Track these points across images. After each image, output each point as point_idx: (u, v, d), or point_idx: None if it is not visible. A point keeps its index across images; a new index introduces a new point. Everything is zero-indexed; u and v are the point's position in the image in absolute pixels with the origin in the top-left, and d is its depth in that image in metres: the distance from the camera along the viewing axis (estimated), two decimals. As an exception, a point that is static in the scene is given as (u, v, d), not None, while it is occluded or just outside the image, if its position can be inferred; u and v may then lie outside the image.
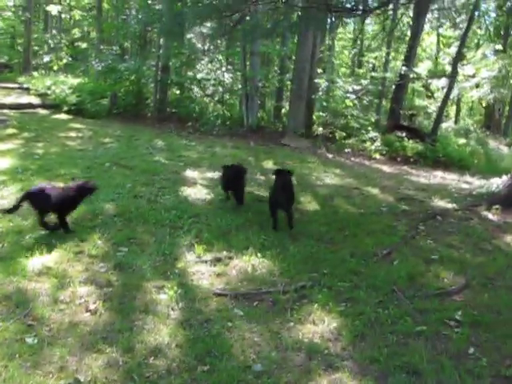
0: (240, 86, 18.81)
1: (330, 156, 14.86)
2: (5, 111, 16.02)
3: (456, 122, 29.07)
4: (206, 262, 5.87)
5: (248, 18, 9.27)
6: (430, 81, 23.99)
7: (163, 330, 4.38)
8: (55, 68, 26.85)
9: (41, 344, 4.01)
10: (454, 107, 31.73)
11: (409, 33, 20.64)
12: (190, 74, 20.06)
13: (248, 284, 5.47)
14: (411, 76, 19.54)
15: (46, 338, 4.10)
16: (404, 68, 18.02)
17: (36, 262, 5.35)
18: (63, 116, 16.15)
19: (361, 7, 8.61)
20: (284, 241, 6.73)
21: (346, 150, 15.77)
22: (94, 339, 4.15)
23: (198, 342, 4.25)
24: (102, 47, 22.54)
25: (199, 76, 19.61)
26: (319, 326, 4.71)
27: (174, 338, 4.27)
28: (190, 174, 9.75)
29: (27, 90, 21.60)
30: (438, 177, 13.42)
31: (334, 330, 4.65)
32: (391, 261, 6.34)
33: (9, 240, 5.86)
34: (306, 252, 6.41)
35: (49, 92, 18.76)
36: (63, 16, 32.52)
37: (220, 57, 20.08)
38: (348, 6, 8.69)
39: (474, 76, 20.73)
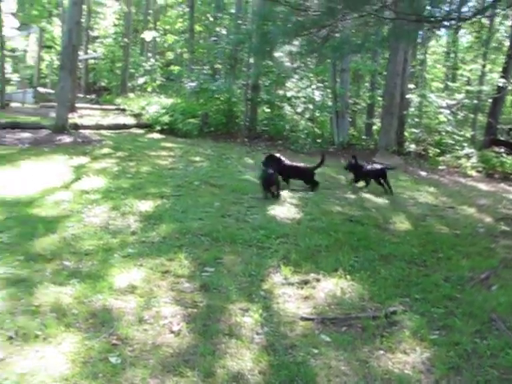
0: (330, 104, 18.64)
1: (423, 174, 14.37)
2: (102, 131, 16.66)
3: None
4: (292, 284, 5.68)
5: (337, 34, 9.12)
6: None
7: (246, 354, 4.22)
8: (149, 89, 27.76)
9: (123, 364, 3.95)
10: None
11: (507, 42, 19.72)
12: (280, 92, 20.12)
13: (336, 308, 5.24)
14: (510, 88, 18.66)
15: (128, 358, 4.03)
16: (502, 80, 17.23)
17: (123, 280, 5.35)
18: (156, 135, 16.59)
19: (454, 17, 8.23)
20: (374, 263, 6.45)
21: (440, 168, 15.20)
22: (176, 362, 4.05)
23: (282, 368, 4.05)
24: (193, 68, 23.08)
25: (289, 94, 19.63)
26: (410, 355, 4.40)
27: (258, 364, 4.09)
28: (280, 192, 9.65)
29: (123, 110, 22.47)
30: (542, 196, 12.62)
31: (427, 361, 4.31)
32: (489, 286, 5.89)
33: (98, 258, 5.94)
34: (398, 275, 6.10)
35: (143, 112, 19.39)
36: (158, 40, 33.66)
37: (310, 74, 20.01)
38: (440, 16, 8.34)
39: None
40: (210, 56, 23.54)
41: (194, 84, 19.96)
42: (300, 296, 5.43)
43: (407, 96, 17.09)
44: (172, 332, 4.48)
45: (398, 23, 8.29)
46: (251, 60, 18.64)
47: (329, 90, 18.97)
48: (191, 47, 24.37)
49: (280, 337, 4.57)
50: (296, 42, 11.05)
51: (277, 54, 18.43)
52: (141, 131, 17.09)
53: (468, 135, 18.29)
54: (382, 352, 4.44)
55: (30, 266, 5.61)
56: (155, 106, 19.02)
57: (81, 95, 29.49)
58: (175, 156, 12.81)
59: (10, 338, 4.17)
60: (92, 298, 4.95)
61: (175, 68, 31.46)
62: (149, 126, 17.87)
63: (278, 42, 9.29)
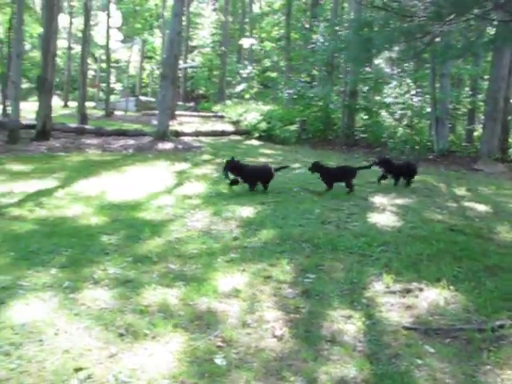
0: (429, 110, 18.20)
1: (531, 182, 13.72)
2: (201, 138, 17.13)
3: None
4: (394, 292, 5.59)
5: (438, 38, 8.91)
6: None
7: (349, 362, 4.20)
8: (247, 96, 28.20)
9: (228, 366, 4.04)
10: None
11: None
12: (377, 98, 19.90)
13: (439, 319, 5.10)
14: None
15: (233, 360, 4.13)
16: None
17: (226, 284, 5.49)
18: (254, 142, 16.85)
19: None
20: (479, 274, 6.22)
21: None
22: (279, 366, 4.09)
23: (385, 377, 3.99)
24: (290, 75, 23.24)
25: (387, 100, 19.35)
26: (518, 372, 4.26)
27: (360, 372, 4.07)
28: (379, 200, 9.53)
29: (221, 117, 22.98)
30: None
31: (539, 380, 4.16)
32: None
33: (202, 261, 6.12)
34: (505, 288, 5.86)
35: (241, 119, 19.75)
36: (254, 48, 34.16)
37: (408, 80, 19.64)
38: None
39: None
40: (307, 63, 23.61)
41: (291, 91, 20.11)
42: (402, 305, 5.34)
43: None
44: (275, 336, 4.54)
45: (507, 24, 7.99)
46: (348, 67, 18.54)
47: (428, 96, 18.52)
48: (288, 54, 24.57)
49: (383, 346, 4.52)
50: (396, 48, 10.92)
51: (375, 61, 18.28)
52: (239, 138, 17.43)
53: None
54: (489, 367, 4.27)
55: (137, 267, 5.89)
56: (253, 113, 19.32)
57: (180, 103, 30.42)
58: (274, 163, 12.93)
59: (121, 334, 4.39)
60: (197, 300, 5.11)
61: (272, 75, 31.79)
62: (247, 133, 18.20)
63: (380, 49, 9.19)
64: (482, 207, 9.82)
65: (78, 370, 3.81)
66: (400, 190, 10.50)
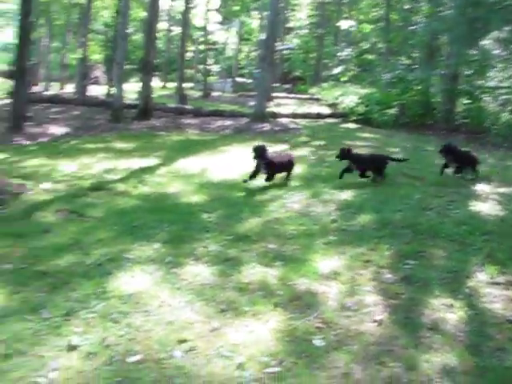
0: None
1: None
2: (297, 120, 17.12)
3: None
4: (498, 284, 5.36)
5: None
6: None
7: (450, 351, 4.09)
8: (343, 79, 27.86)
9: (327, 347, 4.05)
10: None
11: None
12: (480, 82, 19.05)
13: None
14: None
15: (332, 342, 4.13)
16: None
17: (325, 266, 5.48)
18: (351, 125, 16.65)
19: None
20: None
21: None
22: (378, 350, 4.04)
23: (488, 370, 3.86)
24: (389, 58, 22.71)
25: (491, 84, 18.50)
26: None
27: (462, 363, 3.95)
28: (481, 187, 9.17)
29: (317, 100, 22.85)
30: None
31: None
32: None
33: (300, 242, 6.14)
34: None
35: (337, 102, 19.56)
36: (352, 29, 33.58)
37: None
38: None
39: None
40: (407, 45, 22.98)
41: (389, 74, 19.66)
42: (506, 297, 5.12)
43: None
44: (374, 321, 4.50)
45: None
46: (451, 48, 17.84)
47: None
48: (386, 36, 24.01)
49: (486, 337, 4.36)
50: (507, 28, 10.38)
51: (481, 42, 17.48)
52: (335, 121, 17.26)
53: None
54: None
55: (237, 245, 6.00)
56: (350, 96, 19.07)
57: (276, 85, 30.47)
58: (370, 147, 12.73)
59: (222, 310, 4.51)
60: (296, 280, 5.14)
61: (370, 57, 31.20)
62: (343, 116, 17.99)
63: (490, 29, 8.78)
64: None
65: (181, 341, 3.95)
66: (503, 179, 10.05)
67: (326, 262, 5.60)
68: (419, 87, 18.85)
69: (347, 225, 6.80)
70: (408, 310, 4.71)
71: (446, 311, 4.74)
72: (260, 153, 8.45)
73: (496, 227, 7.07)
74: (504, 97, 18.63)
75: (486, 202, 8.26)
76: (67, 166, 10.38)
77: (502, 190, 9.18)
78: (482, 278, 5.47)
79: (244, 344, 3.99)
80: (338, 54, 31.47)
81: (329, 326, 4.36)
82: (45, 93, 28.58)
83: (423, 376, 3.78)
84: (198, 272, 5.24)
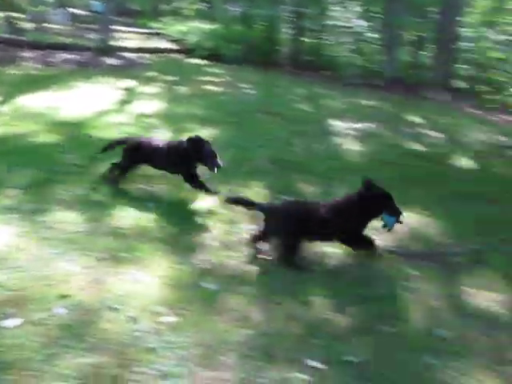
0: (380, 35, 17.93)
1: (474, 111, 13.91)
2: (144, 55, 16.38)
3: None
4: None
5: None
6: None
7: (339, 285, 4.12)
8: (187, 13, 27.12)
9: (218, 290, 3.88)
10: None
11: None
12: (326, 22, 19.39)
13: (418, 243, 5.10)
14: None
15: (225, 285, 3.95)
16: None
17: (202, 206, 5.27)
18: (198, 61, 16.26)
19: None
20: (446, 198, 6.23)
21: (493, 106, 14.64)
22: (270, 290, 3.96)
23: (376, 300, 3.95)
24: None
25: (336, 23, 18.92)
26: (499, 293, 4.27)
27: (352, 295, 4.00)
28: (338, 123, 9.41)
29: (161, 35, 22.03)
30: None
31: (516, 301, 4.21)
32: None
33: (173, 183, 5.81)
34: (473, 212, 5.91)
35: (184, 37, 19.00)
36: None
37: (358, 3, 19.23)
38: None
39: None
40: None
41: (235, 9, 19.39)
42: (381, 229, 5.28)
43: (459, 29, 16.31)
44: (262, 259, 4.39)
45: None
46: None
47: (379, 21, 18.18)
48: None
49: (369, 269, 4.47)
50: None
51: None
52: (183, 56, 16.74)
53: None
54: (470, 288, 4.31)
55: (105, 188, 5.51)
56: (196, 31, 18.59)
57: (116, 18, 28.82)
58: (223, 82, 12.50)
59: (101, 259, 4.10)
60: (174, 222, 4.87)
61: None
62: (191, 52, 17.51)
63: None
64: (435, 134, 9.92)
65: (62, 297, 3.52)
66: (356, 115, 10.41)
67: (201, 201, 5.36)
68: (266, 24, 18.80)
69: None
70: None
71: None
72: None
73: (357, 162, 7.30)
74: (349, 36, 19.17)
75: (344, 137, 8.49)
76: None
77: (356, 125, 9.49)
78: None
79: (131, 295, 3.66)
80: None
81: (218, 268, 4.17)
82: None
83: (318, 312, 3.75)
84: (67, 219, 4.71)
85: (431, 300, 4.09)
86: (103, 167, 5.87)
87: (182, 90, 10.99)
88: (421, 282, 4.34)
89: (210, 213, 5.14)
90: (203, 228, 4.86)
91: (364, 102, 12.27)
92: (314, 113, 10.03)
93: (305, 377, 3.10)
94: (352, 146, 8.01)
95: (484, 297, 4.22)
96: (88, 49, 15.38)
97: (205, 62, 16.13)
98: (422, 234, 5.30)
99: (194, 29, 19.36)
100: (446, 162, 8.04)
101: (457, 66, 17.10)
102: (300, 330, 3.53)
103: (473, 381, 3.24)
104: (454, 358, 3.42)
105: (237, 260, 4.35)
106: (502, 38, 16.63)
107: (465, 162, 8.16)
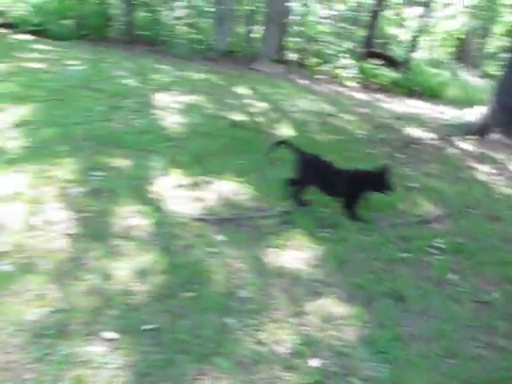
0: (212, 9, 18.06)
1: (303, 82, 14.55)
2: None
3: (428, 52, 28.70)
4: (182, 186, 5.68)
5: None
6: (403, 9, 23.46)
7: (144, 256, 4.22)
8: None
9: (16, 272, 3.80)
10: (427, 37, 31.20)
11: None
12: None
13: (228, 209, 5.32)
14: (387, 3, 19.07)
15: (22, 265, 3.88)
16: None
17: (6, 187, 5.07)
18: (24, 37, 15.35)
19: None
20: (262, 165, 6.56)
21: (320, 77, 15.43)
22: (72, 266, 3.95)
23: (181, 268, 4.11)
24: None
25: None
26: (302, 251, 4.64)
27: (157, 264, 4.12)
28: (163, 97, 9.42)
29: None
30: (412, 106, 13.36)
31: (318, 256, 4.59)
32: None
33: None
34: (283, 176, 6.22)
35: (6, 10, 17.80)
36: None
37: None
38: None
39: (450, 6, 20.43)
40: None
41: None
42: (191, 198, 5.46)
43: (289, 4, 16.88)
44: (65, 237, 4.35)
45: None
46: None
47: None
48: None
49: (176, 238, 4.61)
50: None
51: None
52: (6, 31, 15.73)
53: (347, 46, 18.41)
54: (275, 249, 4.64)
55: None
56: (21, 3, 17.50)
57: None
58: (49, 59, 11.92)
59: None
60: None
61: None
62: (16, 27, 16.46)
63: None
64: (261, 105, 10.27)
65: None
66: (184, 88, 10.47)
67: (7, 182, 5.18)
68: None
69: (28, 141, 6.34)
70: (99, 222, 4.69)
71: (136, 218, 4.83)
72: None
73: (178, 134, 7.40)
74: (181, 10, 19.09)
75: (167, 111, 8.53)
76: None
77: (181, 98, 9.56)
78: (167, 183, 5.69)
79: None
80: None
81: (15, 249, 4.08)
82: None
83: (120, 283, 3.81)
84: None
85: (235, 263, 4.32)
86: None
87: (1, 67, 10.35)
88: (227, 247, 4.57)
89: (15, 193, 4.97)
90: (7, 209, 4.70)
91: (193, 76, 12.36)
92: (139, 87, 9.95)
93: (99, 349, 3.17)
94: (173, 119, 8.09)
95: (289, 256, 4.55)
96: None
97: (31, 37, 15.29)
98: (233, 200, 5.53)
99: (20, 1, 18.21)
100: (267, 130, 8.37)
101: (288, 39, 17.74)
102: (98, 303, 3.58)
103: (266, 334, 3.48)
104: (251, 316, 3.66)
105: (39, 240, 4.27)
106: (328, 12, 17.46)
107: (285, 130, 8.53)
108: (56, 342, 3.15)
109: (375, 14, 18.23)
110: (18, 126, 6.87)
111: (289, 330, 3.56)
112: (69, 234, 4.39)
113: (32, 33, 15.86)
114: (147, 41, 17.19)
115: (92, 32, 17.03)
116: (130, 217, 4.84)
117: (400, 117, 11.10)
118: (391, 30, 23.10)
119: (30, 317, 3.34)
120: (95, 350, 3.15)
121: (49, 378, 2.90)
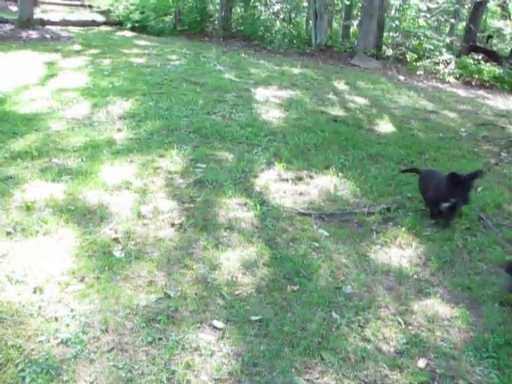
0: (308, 4, 17.99)
1: (402, 78, 14.16)
2: (70, 28, 15.93)
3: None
4: (286, 180, 5.66)
5: None
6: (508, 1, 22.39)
7: (249, 248, 4.23)
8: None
9: (128, 258, 3.90)
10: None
11: None
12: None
13: (331, 204, 5.25)
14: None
15: (132, 252, 3.98)
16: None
17: (115, 176, 5.23)
18: (127, 33, 15.94)
19: None
20: (364, 162, 6.46)
21: (418, 73, 14.95)
22: (180, 255, 4.02)
23: (285, 261, 4.08)
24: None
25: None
26: (406, 250, 4.49)
27: (261, 257, 4.10)
28: (262, 91, 9.43)
29: (89, 7, 21.45)
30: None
31: (422, 255, 4.41)
32: (475, 187, 5.93)
33: (86, 154, 5.75)
34: (388, 174, 6.13)
35: (111, 9, 18.55)
36: None
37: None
38: None
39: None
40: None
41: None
42: (295, 192, 5.42)
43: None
44: (172, 226, 4.43)
45: None
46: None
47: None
48: None
49: (280, 231, 4.58)
50: None
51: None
52: (110, 29, 16.36)
53: (447, 41, 17.73)
54: (379, 246, 4.52)
55: (16, 163, 5.40)
56: (124, 2, 18.16)
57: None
58: (150, 54, 12.30)
59: (9, 233, 4.06)
60: (86, 193, 4.83)
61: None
62: (119, 24, 17.12)
63: None
64: (360, 100, 10.07)
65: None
66: (282, 83, 10.47)
67: (116, 172, 5.34)
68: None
69: (134, 133, 6.54)
70: (204, 213, 4.72)
71: (241, 210, 4.84)
72: None
73: (279, 128, 7.38)
74: (278, 5, 19.17)
75: (267, 105, 8.56)
76: None
77: (280, 93, 9.55)
78: (270, 176, 5.68)
79: (38, 266, 3.65)
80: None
81: (126, 237, 4.20)
82: None
83: (226, 274, 3.83)
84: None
85: (340, 258, 4.24)
86: (14, 143, 5.79)
87: (106, 62, 10.75)
88: (331, 242, 4.49)
89: (125, 183, 5.11)
90: (117, 198, 4.84)
91: (291, 70, 12.29)
92: (238, 81, 10.00)
93: (207, 337, 3.19)
94: (274, 113, 8.08)
95: (393, 253, 4.41)
96: (8, 22, 14.81)
97: (133, 34, 15.83)
98: (334, 195, 5.44)
99: (123, 0, 18.91)
100: (366, 126, 8.21)
101: (385, 33, 17.39)
102: (205, 292, 3.60)
103: (372, 331, 3.39)
104: (356, 312, 3.57)
105: (148, 228, 4.37)
106: (427, 5, 16.89)
107: (386, 127, 8.34)
108: (167, 328, 3.20)
109: (478, 6, 17.47)
110: (124, 118, 7.12)
111: (395, 328, 3.45)
112: (176, 224, 4.46)
113: (133, 29, 16.41)
114: (244, 36, 17.35)
115: (190, 28, 17.42)
116: (235, 208, 4.86)
117: (505, 114, 10.57)
118: (495, 23, 22.18)
119: (141, 302, 3.42)
120: (204, 337, 3.17)
121: (162, 362, 2.94)
